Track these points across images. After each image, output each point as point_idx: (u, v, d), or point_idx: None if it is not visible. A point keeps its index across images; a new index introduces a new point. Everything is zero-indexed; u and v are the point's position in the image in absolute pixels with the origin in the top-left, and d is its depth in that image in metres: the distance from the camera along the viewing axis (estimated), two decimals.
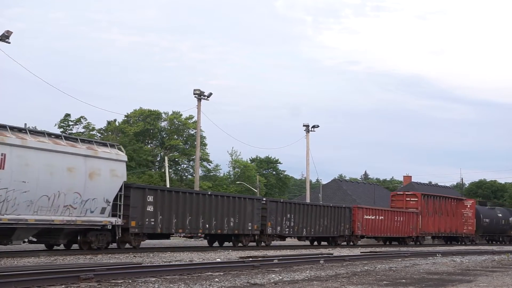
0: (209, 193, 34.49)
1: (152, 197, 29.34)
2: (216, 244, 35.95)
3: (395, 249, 40.27)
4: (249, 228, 35.75)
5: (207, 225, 32.67)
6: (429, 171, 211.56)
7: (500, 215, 67.00)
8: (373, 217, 47.38)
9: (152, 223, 29.32)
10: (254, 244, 37.61)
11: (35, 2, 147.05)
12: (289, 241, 46.31)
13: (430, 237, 59.91)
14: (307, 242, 43.77)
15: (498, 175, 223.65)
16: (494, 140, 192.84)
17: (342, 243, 44.81)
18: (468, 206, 61.46)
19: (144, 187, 30.18)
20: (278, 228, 38.21)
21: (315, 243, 44.09)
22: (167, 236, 32.86)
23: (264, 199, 38.62)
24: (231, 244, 35.71)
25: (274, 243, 40.43)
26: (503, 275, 20.02)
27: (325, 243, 44.33)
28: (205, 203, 32.71)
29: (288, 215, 39.12)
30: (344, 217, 44.51)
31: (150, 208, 29.21)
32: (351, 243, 45.55)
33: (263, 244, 37.28)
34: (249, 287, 14.76)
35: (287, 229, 39.05)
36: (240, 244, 35.40)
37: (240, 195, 37.94)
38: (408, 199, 54.93)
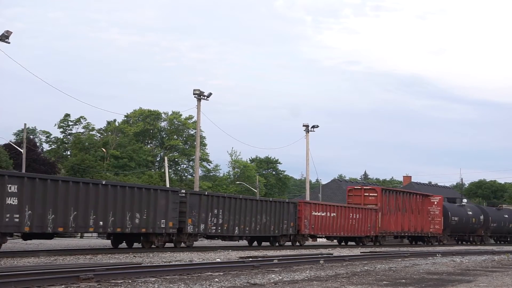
0: (104, 182, 27.98)
1: (16, 186, 23.63)
2: (123, 245, 30.80)
3: (395, 249, 40.25)
4: (162, 225, 30.18)
5: (100, 222, 26.87)
6: (429, 171, 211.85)
7: (470, 213, 61.55)
8: (323, 214, 42.08)
9: (16, 220, 23.52)
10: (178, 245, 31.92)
11: (35, 2, 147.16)
12: (219, 242, 41.34)
13: (392, 237, 55.55)
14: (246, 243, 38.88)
15: (498, 175, 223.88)
16: (494, 140, 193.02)
17: (286, 243, 39.57)
18: (435, 203, 55.88)
19: (3, 174, 23.75)
20: (202, 226, 32.43)
21: (255, 243, 39.05)
22: (46, 236, 26.62)
23: (183, 191, 33.15)
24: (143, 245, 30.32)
25: (202, 244, 36.54)
26: (503, 275, 20.02)
27: (268, 243, 39.13)
28: (99, 195, 26.93)
29: (215, 211, 33.38)
30: (288, 214, 38.97)
31: (12, 201, 23.47)
32: (297, 244, 40.23)
33: (183, 245, 31.73)
34: (249, 287, 14.76)
35: (214, 227, 33.26)
36: (153, 246, 30.21)
37: (149, 186, 33.38)
38: (367, 194, 49.11)
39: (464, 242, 62.02)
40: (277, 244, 38.34)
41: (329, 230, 42.86)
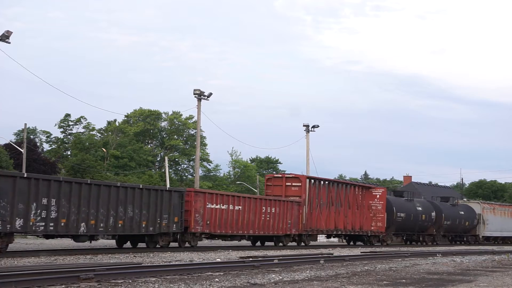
0: None
1: None
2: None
3: (395, 249, 40.26)
4: None
5: None
6: (429, 171, 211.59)
7: (420, 209, 53.76)
8: (223, 207, 33.68)
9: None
10: None
11: (35, 2, 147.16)
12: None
13: (324, 236, 50.39)
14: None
15: (498, 175, 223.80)
16: (494, 140, 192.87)
17: (168, 244, 31.28)
18: (378, 196, 47.85)
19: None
20: (20, 221, 23.42)
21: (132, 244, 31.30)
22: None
23: None
24: None
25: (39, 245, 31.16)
26: (503, 275, 20.02)
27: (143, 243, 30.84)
28: None
29: (45, 200, 24.45)
30: (170, 206, 30.29)
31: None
32: (189, 244, 32.15)
33: None
34: (249, 287, 14.76)
35: (42, 223, 24.32)
36: None
37: None
38: (289, 184, 40.74)
39: (413, 243, 54.43)
40: (158, 246, 30.47)
41: (233, 227, 34.38)
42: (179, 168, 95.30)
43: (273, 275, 17.26)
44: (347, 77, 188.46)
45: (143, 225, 28.98)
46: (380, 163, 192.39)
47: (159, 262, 21.77)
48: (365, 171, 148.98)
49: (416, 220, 52.41)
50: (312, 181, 41.92)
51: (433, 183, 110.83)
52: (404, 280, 17.51)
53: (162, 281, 14.82)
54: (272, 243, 38.83)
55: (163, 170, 77.29)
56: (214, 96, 53.49)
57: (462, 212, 59.92)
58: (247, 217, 35.43)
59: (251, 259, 23.05)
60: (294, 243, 40.23)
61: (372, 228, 47.35)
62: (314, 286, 15.24)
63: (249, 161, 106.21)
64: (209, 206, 32.81)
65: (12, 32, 36.64)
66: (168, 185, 62.95)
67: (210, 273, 17.20)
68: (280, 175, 42.57)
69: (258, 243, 39.27)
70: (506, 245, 58.83)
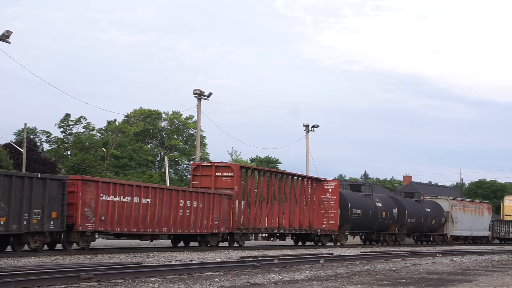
0: None
1: None
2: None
3: (395, 249, 40.28)
4: None
5: None
6: (429, 171, 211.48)
7: (380, 205, 48.03)
8: (125, 200, 27.67)
9: None
10: None
11: (35, 1, 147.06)
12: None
13: (265, 234, 44.92)
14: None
15: (498, 175, 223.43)
16: (494, 140, 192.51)
17: (42, 246, 24.97)
18: (330, 190, 42.45)
19: None
20: None
21: None
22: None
23: None
24: None
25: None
26: (503, 275, 20.03)
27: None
28: None
29: None
30: (44, 198, 24.17)
31: None
32: (77, 246, 26.30)
33: None
34: (249, 287, 14.77)
35: None
36: None
37: None
38: (220, 174, 34.77)
39: (373, 243, 49.16)
40: (28, 249, 24.49)
41: (139, 224, 28.44)
42: (179, 168, 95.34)
43: (273, 275, 17.27)
44: (347, 77, 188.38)
45: (1, 222, 22.81)
46: (380, 163, 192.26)
47: (159, 262, 21.79)
48: (365, 171, 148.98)
49: (375, 217, 47.07)
50: (249, 171, 36.81)
51: (433, 183, 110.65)
52: (404, 280, 17.51)
53: (162, 281, 14.83)
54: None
55: (163, 170, 77.33)
56: (214, 96, 53.55)
57: (428, 209, 54.97)
58: (159, 212, 29.38)
59: (251, 259, 23.08)
60: (227, 243, 34.83)
61: (324, 226, 41.94)
62: (314, 286, 15.25)
63: (249, 161, 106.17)
64: (104, 198, 26.54)
65: (12, 32, 36.66)
66: (168, 185, 62.98)
67: (210, 273, 17.21)
68: (209, 164, 36.52)
69: (182, 244, 33.46)
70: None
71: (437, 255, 31.62)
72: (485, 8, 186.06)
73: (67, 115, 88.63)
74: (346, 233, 45.43)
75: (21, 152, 59.48)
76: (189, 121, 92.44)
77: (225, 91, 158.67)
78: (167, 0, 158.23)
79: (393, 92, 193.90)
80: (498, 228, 67.07)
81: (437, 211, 56.09)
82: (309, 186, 41.71)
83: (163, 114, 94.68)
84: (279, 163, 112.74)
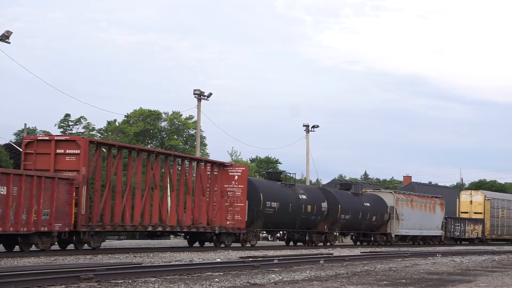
0: None
1: None
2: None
3: (395, 249, 40.29)
4: None
5: None
6: (429, 171, 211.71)
7: (304, 197, 39.99)
8: None
9: None
10: None
11: (35, 1, 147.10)
12: None
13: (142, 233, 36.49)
14: None
15: (498, 175, 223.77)
16: (494, 140, 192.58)
17: None
18: (236, 178, 34.47)
19: None
20: None
21: None
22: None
23: None
24: None
25: None
26: (503, 275, 20.04)
27: None
28: None
29: None
30: None
31: None
32: None
33: None
34: (249, 287, 14.77)
35: None
36: None
37: None
38: (61, 151, 26.41)
39: (299, 243, 41.24)
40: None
41: None
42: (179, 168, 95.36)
43: (273, 275, 17.27)
44: (347, 77, 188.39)
45: None
46: (380, 163, 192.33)
47: (159, 262, 21.80)
48: (365, 171, 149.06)
49: (297, 212, 38.83)
50: (104, 148, 28.67)
51: (433, 183, 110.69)
52: (404, 280, 17.52)
53: (162, 281, 14.83)
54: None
55: (163, 170, 77.36)
56: (214, 96, 53.32)
57: (368, 204, 46.83)
58: None
59: (251, 259, 23.08)
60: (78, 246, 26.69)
61: (228, 223, 34.13)
62: (314, 286, 15.25)
63: (249, 161, 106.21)
64: None
65: (12, 32, 36.68)
66: None
67: (210, 273, 17.21)
68: (47, 138, 27.49)
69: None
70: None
71: (437, 255, 31.65)
72: (485, 8, 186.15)
73: (67, 115, 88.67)
74: (258, 231, 37.55)
75: (21, 152, 59.34)
76: (189, 121, 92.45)
77: (225, 91, 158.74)
78: (167, 0, 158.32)
79: (393, 92, 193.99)
80: (452, 226, 58.79)
81: (378, 206, 48.10)
82: (208, 172, 33.97)
83: (163, 114, 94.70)
84: (279, 163, 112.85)
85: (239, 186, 34.69)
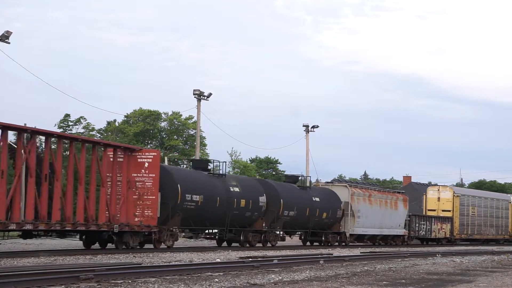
0: None
1: None
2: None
3: (395, 249, 40.30)
4: None
5: None
6: (429, 171, 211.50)
7: (237, 189, 34.39)
8: None
9: None
10: None
11: (35, 1, 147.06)
12: None
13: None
14: None
15: (498, 175, 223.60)
16: (494, 140, 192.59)
17: None
18: (147, 165, 28.79)
19: None
20: None
21: None
22: None
23: None
24: None
25: None
26: (503, 275, 20.04)
27: None
28: None
29: None
30: None
31: None
32: None
33: None
34: (249, 287, 14.78)
35: None
36: None
37: None
38: None
39: (235, 244, 35.57)
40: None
41: None
42: None
43: (273, 276, 17.28)
44: (347, 77, 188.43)
45: None
46: (380, 163, 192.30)
47: (158, 262, 21.80)
48: (365, 171, 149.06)
49: (227, 207, 33.34)
50: None
51: (433, 183, 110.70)
52: (403, 281, 17.52)
53: (162, 281, 14.84)
54: None
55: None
56: (214, 96, 53.45)
57: (317, 199, 41.11)
58: None
59: (250, 259, 23.08)
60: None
61: (136, 219, 28.47)
62: (314, 286, 15.26)
63: (248, 161, 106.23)
64: None
65: (11, 32, 36.69)
66: None
67: (209, 274, 17.21)
68: None
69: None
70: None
71: (437, 255, 31.67)
72: (485, 8, 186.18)
73: (67, 115, 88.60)
74: (175, 229, 30.72)
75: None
76: (189, 121, 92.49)
77: (225, 91, 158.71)
78: (167, 0, 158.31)
79: (393, 92, 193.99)
80: (417, 225, 52.94)
81: (330, 201, 42.50)
82: (109, 158, 28.64)
83: (162, 115, 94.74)
84: (279, 163, 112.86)
85: (149, 175, 28.76)
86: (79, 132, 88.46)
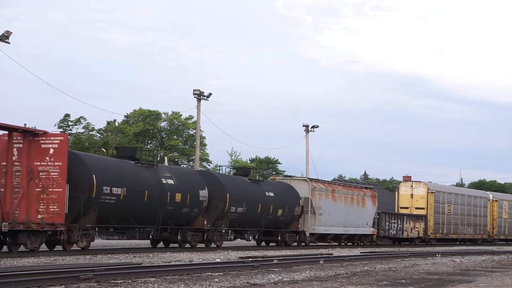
0: None
1: None
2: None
3: (394, 249, 40.30)
4: None
5: None
6: (429, 171, 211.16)
7: (171, 182, 30.05)
8: None
9: None
10: None
11: (35, 1, 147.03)
12: None
13: None
14: None
15: (498, 175, 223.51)
16: (494, 140, 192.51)
17: None
18: (52, 151, 24.37)
19: None
20: None
21: None
22: None
23: None
24: None
25: None
26: (503, 275, 20.04)
27: None
28: None
29: None
30: None
31: None
32: None
33: None
34: (249, 287, 14.77)
35: None
36: None
37: None
38: None
39: (173, 246, 31.80)
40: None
41: None
42: None
43: (273, 275, 17.28)
44: (347, 77, 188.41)
45: None
46: (380, 163, 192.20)
47: (158, 262, 21.80)
48: (365, 171, 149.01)
49: (158, 202, 29.12)
50: None
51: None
52: (403, 281, 17.52)
53: (162, 281, 14.84)
54: None
55: None
56: (214, 96, 53.43)
57: (272, 194, 36.55)
58: None
59: (250, 259, 23.07)
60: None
61: (40, 216, 24.03)
62: (314, 286, 15.25)
63: (248, 161, 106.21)
64: None
65: (12, 32, 36.65)
66: None
67: (209, 273, 17.21)
68: None
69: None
70: (497, 246, 49.72)
71: (437, 255, 31.68)
72: (485, 8, 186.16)
73: (67, 115, 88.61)
74: (90, 227, 26.47)
75: None
76: (188, 121, 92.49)
77: (225, 91, 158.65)
78: (167, 0, 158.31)
79: (392, 92, 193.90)
80: (388, 224, 48.24)
81: (287, 197, 38.05)
82: (3, 143, 24.49)
83: (162, 115, 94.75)
84: (279, 163, 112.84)
85: (55, 163, 24.30)
86: (79, 132, 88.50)
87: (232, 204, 33.62)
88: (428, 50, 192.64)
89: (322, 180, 44.09)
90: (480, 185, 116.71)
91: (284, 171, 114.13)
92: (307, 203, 39.16)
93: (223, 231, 33.74)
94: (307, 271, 19.20)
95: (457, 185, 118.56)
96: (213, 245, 32.83)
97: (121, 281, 14.67)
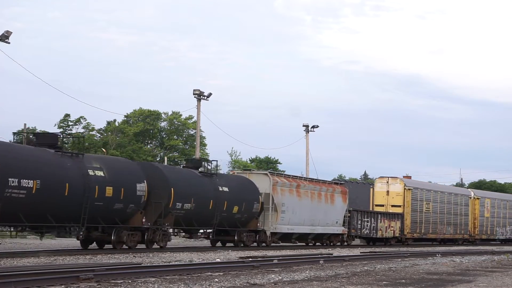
0: None
1: None
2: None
3: (394, 249, 40.30)
4: None
5: None
6: (429, 171, 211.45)
7: (100, 173, 25.98)
8: None
9: None
10: None
11: (35, 1, 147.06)
12: None
13: None
14: None
15: (498, 175, 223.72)
16: (494, 140, 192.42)
17: None
18: None
19: None
20: None
21: None
22: None
23: None
24: None
25: None
26: (503, 275, 20.05)
27: None
28: None
29: None
30: None
31: None
32: None
33: None
34: (249, 287, 14.78)
35: None
36: None
37: None
38: None
39: (107, 247, 27.99)
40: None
41: None
42: None
43: (273, 275, 17.28)
44: (347, 77, 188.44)
45: None
46: (380, 163, 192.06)
47: (158, 262, 21.80)
48: (365, 171, 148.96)
49: (83, 197, 24.92)
50: None
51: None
52: (403, 280, 17.52)
53: (162, 281, 14.84)
54: None
55: None
56: (214, 96, 53.46)
57: (226, 189, 33.02)
58: None
59: (250, 259, 23.08)
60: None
61: None
62: (314, 286, 15.26)
63: (248, 161, 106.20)
64: None
65: (11, 32, 36.67)
66: None
67: (209, 273, 17.21)
68: None
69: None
70: (497, 246, 50.97)
71: (437, 255, 31.69)
72: (485, 8, 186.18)
73: (67, 115, 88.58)
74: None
75: None
76: (188, 121, 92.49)
77: (225, 91, 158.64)
78: (167, 0, 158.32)
79: (392, 92, 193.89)
80: (360, 222, 44.53)
81: (245, 192, 34.45)
82: None
83: (162, 115, 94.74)
84: (279, 163, 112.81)
85: None
86: (79, 132, 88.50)
87: (178, 199, 29.59)
88: (428, 50, 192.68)
89: (285, 175, 40.73)
90: (480, 185, 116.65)
91: (284, 171, 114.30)
92: (268, 200, 35.57)
93: (168, 230, 30.01)
94: (307, 271, 19.21)
95: (457, 185, 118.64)
96: (155, 245, 29.21)
97: (121, 281, 14.67)
